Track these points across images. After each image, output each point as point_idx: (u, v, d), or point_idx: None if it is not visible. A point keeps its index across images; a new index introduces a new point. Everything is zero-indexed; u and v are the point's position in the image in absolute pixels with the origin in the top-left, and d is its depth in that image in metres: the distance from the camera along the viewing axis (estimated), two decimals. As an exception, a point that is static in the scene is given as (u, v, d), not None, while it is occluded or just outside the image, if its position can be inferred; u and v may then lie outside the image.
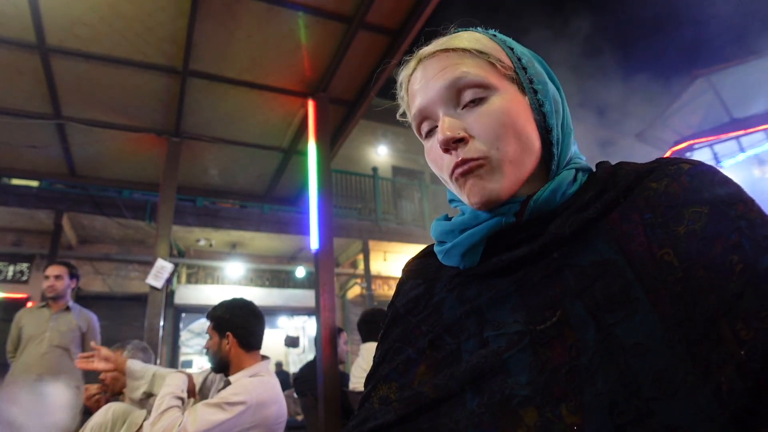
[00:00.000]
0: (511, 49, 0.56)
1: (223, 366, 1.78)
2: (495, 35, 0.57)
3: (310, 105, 3.57)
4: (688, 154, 8.70)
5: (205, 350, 1.86)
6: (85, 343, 3.25)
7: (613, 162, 0.56)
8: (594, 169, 0.55)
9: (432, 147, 0.56)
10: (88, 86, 3.40)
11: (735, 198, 0.43)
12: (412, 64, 0.58)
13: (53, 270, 3.18)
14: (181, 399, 1.62)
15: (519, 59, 0.55)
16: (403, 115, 0.63)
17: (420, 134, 0.58)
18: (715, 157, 8.67)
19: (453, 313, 0.53)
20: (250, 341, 1.81)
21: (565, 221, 0.48)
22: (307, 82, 3.50)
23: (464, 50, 0.53)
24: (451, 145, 0.51)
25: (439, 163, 0.55)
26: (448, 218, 0.61)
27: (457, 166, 0.51)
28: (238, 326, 1.80)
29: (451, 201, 0.61)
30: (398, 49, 3.10)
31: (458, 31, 0.59)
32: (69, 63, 3.18)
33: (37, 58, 3.11)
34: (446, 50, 0.54)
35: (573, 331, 0.44)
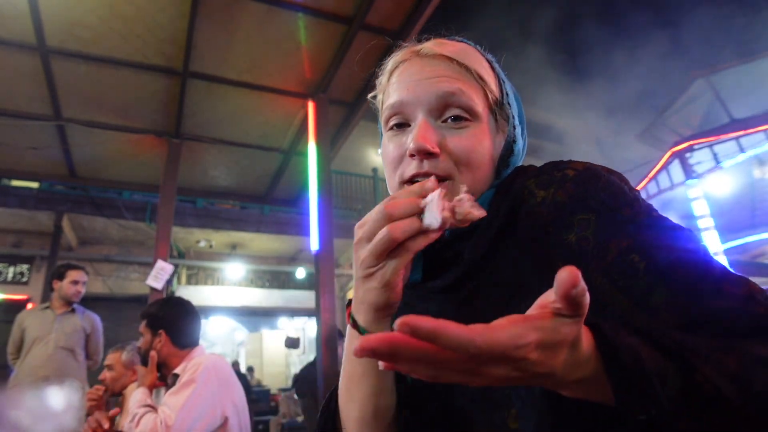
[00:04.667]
0: (503, 82, 0.58)
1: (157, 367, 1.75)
2: (493, 62, 0.59)
3: (310, 106, 3.57)
4: (687, 155, 8.70)
5: (137, 349, 1.82)
6: (88, 344, 3.24)
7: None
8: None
9: (394, 143, 0.55)
10: (88, 88, 3.41)
11: (619, 202, 0.46)
12: (406, 53, 0.57)
13: (83, 276, 3.16)
14: (149, 405, 1.62)
15: (507, 94, 0.58)
16: (375, 96, 0.62)
17: (385, 124, 0.57)
18: (715, 158, 8.67)
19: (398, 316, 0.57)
20: (184, 340, 1.77)
21: (477, 244, 0.52)
22: (307, 83, 3.50)
23: (467, 68, 0.54)
24: (422, 154, 0.51)
25: (396, 161, 0.55)
26: None
27: (418, 176, 0.51)
28: (172, 324, 1.76)
29: None
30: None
31: (463, 41, 0.59)
32: (69, 64, 3.18)
33: (37, 59, 3.11)
34: (450, 58, 0.54)
35: None
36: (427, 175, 0.50)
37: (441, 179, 0.51)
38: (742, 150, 8.52)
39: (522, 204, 0.51)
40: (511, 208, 0.52)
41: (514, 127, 0.57)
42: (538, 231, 0.49)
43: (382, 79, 0.60)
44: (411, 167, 0.52)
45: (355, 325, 0.48)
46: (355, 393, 0.51)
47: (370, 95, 0.63)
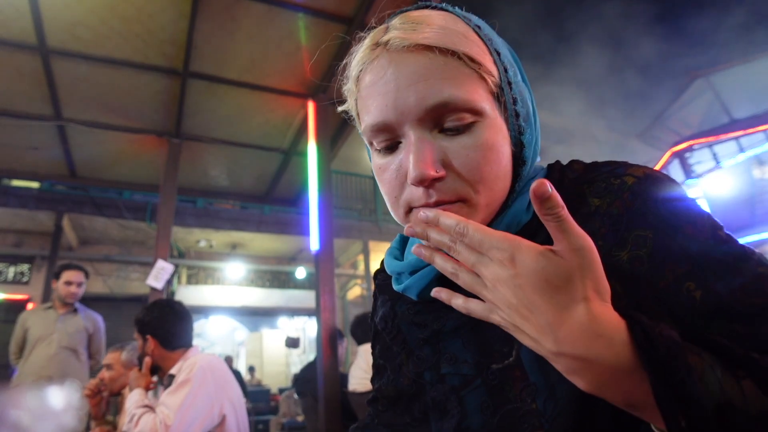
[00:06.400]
0: (498, 53, 0.46)
1: (152, 369, 1.79)
2: (480, 27, 0.46)
3: (311, 106, 3.58)
4: (687, 155, 8.70)
5: (137, 355, 1.87)
6: (91, 344, 3.24)
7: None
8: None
9: (388, 167, 0.45)
10: (88, 88, 3.41)
11: (682, 219, 0.40)
12: (371, 49, 0.45)
13: (78, 277, 3.13)
14: (147, 405, 1.63)
15: (506, 70, 0.46)
16: (346, 109, 0.52)
17: (371, 144, 0.47)
18: (715, 158, 8.67)
19: (412, 337, 0.54)
20: (173, 342, 1.80)
21: None
22: (308, 83, 3.50)
23: (453, 53, 0.42)
24: (425, 183, 0.42)
25: (396, 190, 0.45)
26: (401, 244, 0.58)
27: (426, 207, 0.43)
28: (157, 327, 1.79)
29: None
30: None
31: (439, 7, 0.48)
32: (69, 64, 3.18)
33: (37, 59, 3.11)
34: (428, 47, 0.42)
35: (524, 371, 0.43)
36: (437, 204, 0.42)
37: (452, 204, 0.43)
38: (741, 150, 8.52)
39: (572, 213, 0.43)
40: None
41: (518, 115, 0.46)
42: None
43: (349, 86, 0.49)
44: (417, 197, 0.43)
45: None
46: None
47: (339, 109, 0.52)
